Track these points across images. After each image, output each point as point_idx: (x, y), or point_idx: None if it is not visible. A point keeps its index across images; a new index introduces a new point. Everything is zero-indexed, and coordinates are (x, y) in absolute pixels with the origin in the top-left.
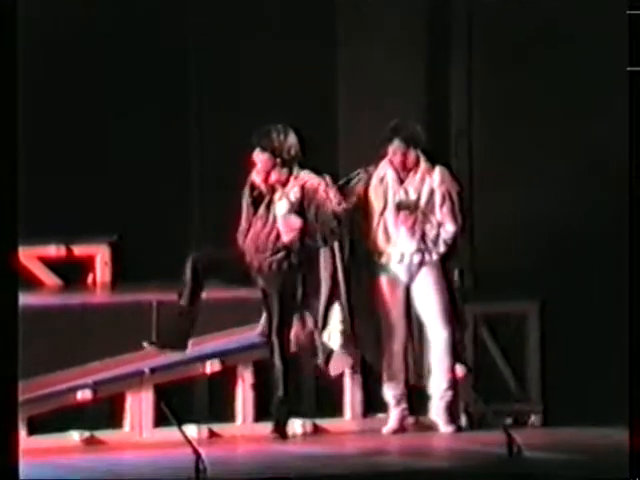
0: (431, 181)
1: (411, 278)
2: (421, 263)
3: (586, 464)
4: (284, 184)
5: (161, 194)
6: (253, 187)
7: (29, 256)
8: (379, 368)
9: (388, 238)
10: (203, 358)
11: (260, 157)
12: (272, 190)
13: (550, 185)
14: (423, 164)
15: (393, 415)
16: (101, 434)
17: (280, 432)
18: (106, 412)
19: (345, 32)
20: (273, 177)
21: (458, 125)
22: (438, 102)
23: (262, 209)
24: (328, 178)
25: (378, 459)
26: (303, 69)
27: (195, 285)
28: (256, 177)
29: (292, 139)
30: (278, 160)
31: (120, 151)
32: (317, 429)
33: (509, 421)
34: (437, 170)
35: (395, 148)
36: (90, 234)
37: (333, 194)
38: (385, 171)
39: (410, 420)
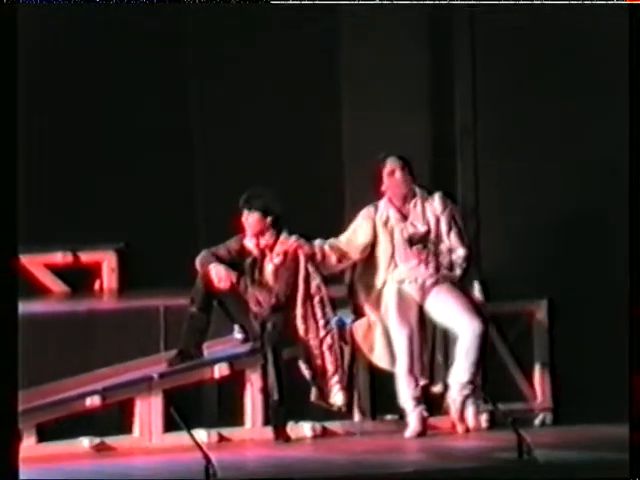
0: (433, 209)
1: (423, 296)
2: (434, 284)
3: (596, 462)
4: (271, 248)
5: (167, 200)
6: (247, 252)
7: (36, 263)
8: (394, 373)
9: (399, 271)
10: (212, 362)
11: (249, 219)
12: (263, 254)
13: (555, 182)
14: (418, 191)
15: (413, 418)
16: (111, 440)
17: (282, 435)
18: (115, 418)
19: (346, 31)
20: (262, 241)
21: (462, 123)
22: (442, 99)
23: (256, 274)
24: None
25: (388, 460)
26: (305, 69)
27: (208, 291)
28: (249, 242)
29: (278, 200)
30: (268, 220)
31: (126, 158)
32: (326, 432)
33: (518, 420)
34: (436, 197)
35: (391, 166)
36: (96, 241)
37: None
38: (387, 212)
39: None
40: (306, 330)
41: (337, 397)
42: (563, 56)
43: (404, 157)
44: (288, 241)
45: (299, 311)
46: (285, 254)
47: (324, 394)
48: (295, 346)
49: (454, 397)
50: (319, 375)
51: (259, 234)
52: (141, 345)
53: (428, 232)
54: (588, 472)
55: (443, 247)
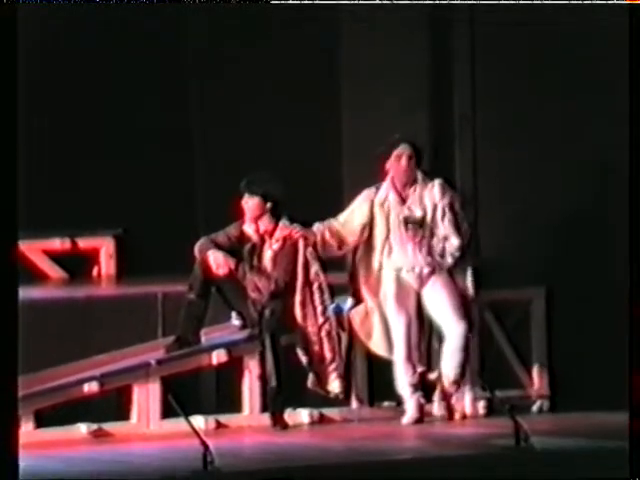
0: (432, 196)
1: (421, 285)
2: (431, 273)
3: (594, 450)
4: (271, 234)
5: (165, 186)
6: (246, 238)
7: (34, 249)
8: (392, 361)
9: (396, 257)
10: (210, 349)
11: (249, 203)
12: (262, 240)
13: (554, 175)
14: (420, 177)
15: (410, 404)
16: (108, 426)
17: (279, 422)
18: (113, 404)
19: (347, 23)
20: (262, 227)
21: (461, 111)
22: (441, 88)
23: (255, 260)
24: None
25: (385, 447)
26: (305, 69)
27: (206, 277)
28: (248, 228)
29: (279, 185)
30: (268, 205)
31: (125, 144)
32: (324, 418)
33: (515, 408)
34: (436, 184)
35: (400, 151)
36: (94, 227)
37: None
38: (387, 193)
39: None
40: (304, 317)
41: (334, 384)
42: (563, 56)
43: (416, 145)
44: (287, 227)
45: (298, 297)
46: (284, 240)
47: (321, 381)
48: (293, 333)
49: (440, 397)
50: (316, 362)
51: (258, 219)
52: (139, 332)
53: (424, 217)
54: (585, 459)
55: (438, 233)
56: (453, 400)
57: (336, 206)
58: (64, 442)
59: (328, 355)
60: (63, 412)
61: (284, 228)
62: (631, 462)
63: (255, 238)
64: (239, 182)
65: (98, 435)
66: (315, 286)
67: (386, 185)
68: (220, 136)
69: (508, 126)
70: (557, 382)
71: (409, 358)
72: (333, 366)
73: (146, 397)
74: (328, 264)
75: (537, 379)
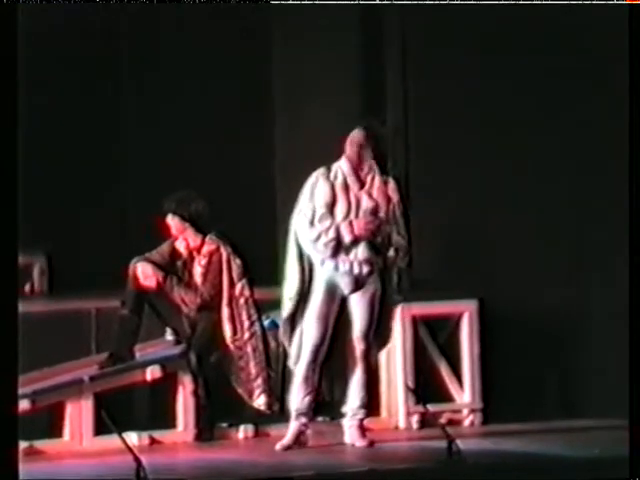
0: (385, 190)
1: (354, 289)
2: (369, 273)
3: (526, 462)
4: (199, 250)
5: (96, 202)
6: (178, 255)
7: None
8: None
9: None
10: (144, 365)
11: (172, 222)
12: (191, 257)
13: (484, 185)
14: (375, 168)
15: (290, 430)
16: (41, 444)
17: (203, 436)
18: (46, 421)
19: (281, 38)
20: (191, 243)
21: (394, 124)
22: (373, 102)
23: (185, 275)
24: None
25: (319, 462)
26: (238, 83)
27: (138, 292)
28: (179, 245)
29: (200, 204)
30: (187, 224)
31: (58, 160)
32: (259, 434)
33: (448, 421)
34: (391, 180)
35: (352, 138)
36: (27, 244)
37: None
38: (344, 174)
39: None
40: (233, 331)
41: (260, 400)
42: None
43: (370, 133)
44: (214, 242)
45: (225, 312)
46: (210, 255)
47: (248, 395)
48: (222, 348)
49: (350, 424)
50: (243, 377)
51: (184, 236)
52: (72, 348)
53: (377, 206)
54: (518, 472)
55: (388, 228)
56: (360, 429)
57: (269, 220)
58: None
59: (253, 371)
60: None
61: (210, 243)
62: (631, 462)
63: (185, 254)
64: (170, 191)
65: (30, 453)
66: (242, 301)
67: (341, 164)
68: (153, 148)
69: (441, 133)
70: (490, 395)
71: (306, 379)
72: (258, 382)
73: (79, 414)
74: (261, 280)
75: (469, 392)
